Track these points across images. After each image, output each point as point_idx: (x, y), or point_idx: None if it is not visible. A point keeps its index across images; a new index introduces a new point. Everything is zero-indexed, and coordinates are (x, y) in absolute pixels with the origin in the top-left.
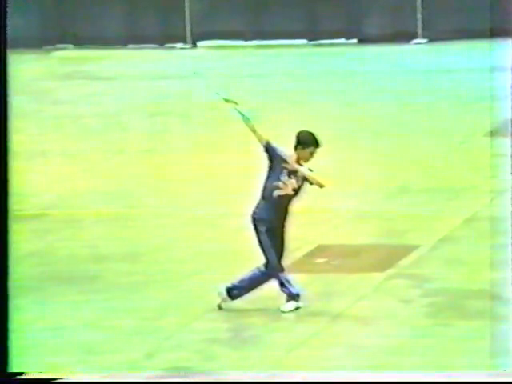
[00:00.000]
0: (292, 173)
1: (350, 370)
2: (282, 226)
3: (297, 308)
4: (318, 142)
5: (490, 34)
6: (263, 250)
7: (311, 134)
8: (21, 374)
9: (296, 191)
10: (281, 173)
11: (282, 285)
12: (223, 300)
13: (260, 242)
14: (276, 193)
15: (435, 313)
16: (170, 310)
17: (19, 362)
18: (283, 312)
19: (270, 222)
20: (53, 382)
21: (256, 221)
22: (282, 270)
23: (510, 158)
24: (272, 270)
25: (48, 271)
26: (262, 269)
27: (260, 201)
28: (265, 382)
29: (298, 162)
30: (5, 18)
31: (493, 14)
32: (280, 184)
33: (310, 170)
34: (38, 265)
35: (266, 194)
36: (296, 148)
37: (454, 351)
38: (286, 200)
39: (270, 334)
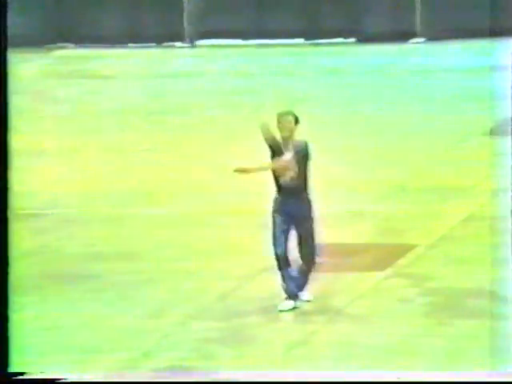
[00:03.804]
0: (288, 151)
1: (348, 369)
2: (304, 219)
3: (294, 307)
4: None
5: (489, 34)
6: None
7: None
8: (21, 374)
9: (300, 168)
10: (280, 155)
11: (283, 279)
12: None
13: (273, 233)
14: (282, 180)
15: (433, 311)
16: (167, 308)
17: (19, 362)
18: (280, 311)
19: (285, 212)
20: (53, 381)
21: (273, 212)
22: (289, 264)
23: (508, 157)
24: (277, 260)
25: (46, 270)
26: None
27: (275, 193)
28: (265, 382)
29: (285, 139)
30: (5, 17)
31: (492, 14)
32: (280, 170)
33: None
34: (36, 263)
35: (277, 185)
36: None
37: (452, 349)
38: (296, 182)
39: (269, 332)
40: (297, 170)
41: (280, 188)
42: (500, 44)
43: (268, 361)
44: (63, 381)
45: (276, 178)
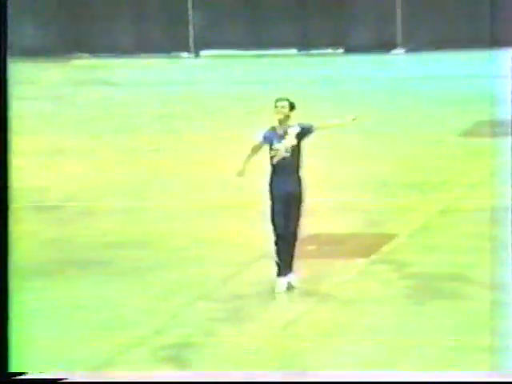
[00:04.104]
0: (281, 137)
1: (339, 347)
2: (296, 198)
3: (288, 286)
4: (277, 98)
5: (466, 45)
6: (271, 220)
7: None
8: (21, 373)
9: (292, 151)
10: (272, 142)
11: (278, 255)
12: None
13: (271, 212)
14: (275, 160)
15: (412, 293)
16: (175, 291)
17: (19, 362)
18: (277, 291)
19: (279, 192)
20: (53, 381)
21: (270, 193)
22: (285, 240)
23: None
24: (276, 236)
25: (64, 256)
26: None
27: (271, 176)
28: (265, 382)
29: (280, 122)
30: (5, 23)
31: (472, 26)
32: (272, 152)
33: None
34: (56, 251)
35: (272, 168)
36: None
37: (427, 327)
38: (287, 163)
39: (266, 312)
40: (289, 146)
41: (274, 167)
42: (475, 54)
43: (266, 338)
44: (63, 381)
45: (271, 158)
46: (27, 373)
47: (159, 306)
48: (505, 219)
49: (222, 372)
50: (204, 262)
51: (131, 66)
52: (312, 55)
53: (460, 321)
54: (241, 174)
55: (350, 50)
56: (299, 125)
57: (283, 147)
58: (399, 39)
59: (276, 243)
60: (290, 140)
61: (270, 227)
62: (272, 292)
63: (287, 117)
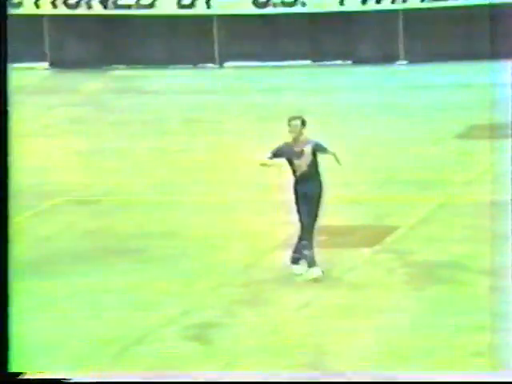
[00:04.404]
0: (300, 154)
1: (347, 359)
2: (316, 193)
3: (302, 273)
4: (290, 117)
5: (458, 58)
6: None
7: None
8: (21, 374)
9: (312, 163)
10: (292, 158)
11: (300, 241)
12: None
13: (296, 206)
14: (298, 173)
15: (412, 280)
16: (201, 276)
17: (19, 362)
18: (308, 278)
19: (303, 192)
20: (53, 381)
21: (295, 193)
22: (307, 232)
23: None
24: (301, 225)
25: (103, 245)
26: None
27: (295, 185)
28: (265, 382)
29: (294, 138)
30: (5, 30)
31: (466, 41)
32: (295, 167)
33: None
34: (96, 240)
35: (295, 178)
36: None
37: (426, 309)
38: (309, 173)
39: (281, 296)
40: (308, 162)
41: (297, 178)
42: (474, 66)
43: (282, 319)
44: (64, 381)
45: (294, 171)
46: (27, 373)
47: (187, 290)
48: (500, 212)
49: (222, 372)
50: (227, 251)
51: (163, 75)
52: (324, 66)
53: (457, 304)
54: (276, 165)
55: (357, 61)
56: (313, 142)
57: (304, 163)
58: (402, 52)
59: (303, 234)
60: (308, 156)
61: (296, 219)
62: (287, 278)
63: (300, 133)
